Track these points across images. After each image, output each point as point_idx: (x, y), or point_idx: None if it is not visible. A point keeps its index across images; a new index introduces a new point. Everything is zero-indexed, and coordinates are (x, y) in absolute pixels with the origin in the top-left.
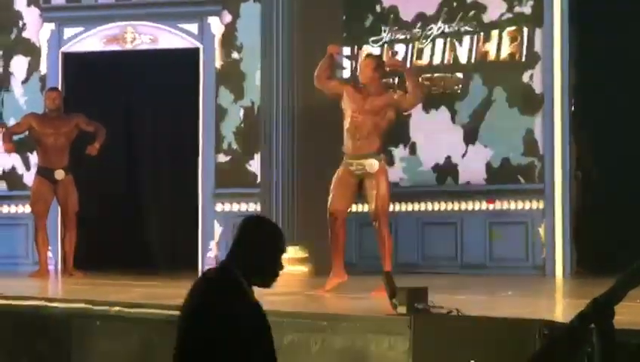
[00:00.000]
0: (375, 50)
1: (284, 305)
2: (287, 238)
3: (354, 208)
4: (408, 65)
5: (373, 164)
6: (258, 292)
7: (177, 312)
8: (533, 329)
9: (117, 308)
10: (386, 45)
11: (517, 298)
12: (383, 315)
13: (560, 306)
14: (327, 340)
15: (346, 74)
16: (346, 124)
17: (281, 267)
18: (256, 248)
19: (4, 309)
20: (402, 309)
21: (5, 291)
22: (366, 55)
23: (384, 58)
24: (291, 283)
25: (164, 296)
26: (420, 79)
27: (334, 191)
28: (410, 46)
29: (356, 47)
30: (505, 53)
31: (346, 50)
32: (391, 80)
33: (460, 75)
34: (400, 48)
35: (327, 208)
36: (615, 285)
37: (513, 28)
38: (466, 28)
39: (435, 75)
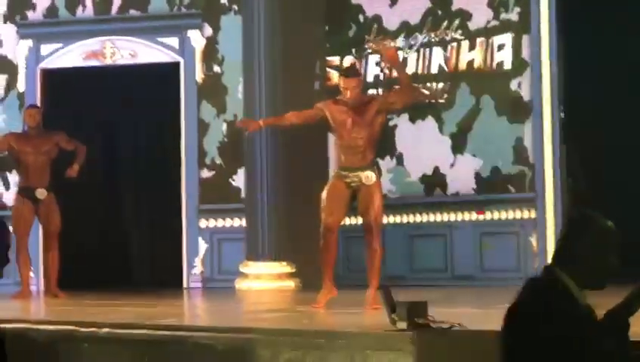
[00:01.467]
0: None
1: (277, 322)
2: (274, 254)
3: None
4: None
5: (370, 176)
6: (247, 308)
7: (168, 332)
8: None
9: (106, 330)
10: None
11: None
12: (382, 331)
13: None
14: (325, 358)
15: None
16: (340, 140)
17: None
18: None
19: None
20: (402, 324)
21: None
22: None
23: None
24: (279, 299)
25: (153, 315)
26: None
27: (329, 203)
28: None
29: (339, 57)
30: (492, 61)
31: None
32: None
33: (445, 84)
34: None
35: (312, 222)
36: (629, 296)
37: (500, 35)
38: (452, 36)
39: (421, 85)
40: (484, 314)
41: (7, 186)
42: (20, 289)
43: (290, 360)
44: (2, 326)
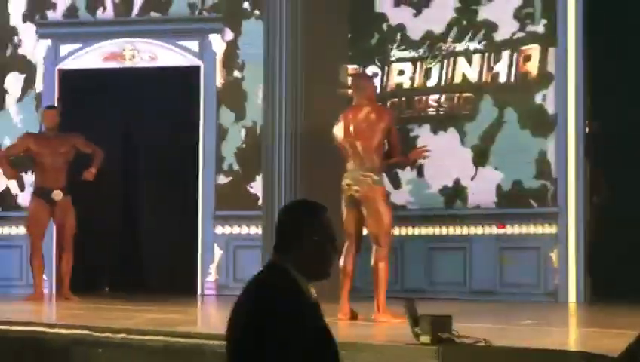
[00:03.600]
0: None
1: None
2: None
3: None
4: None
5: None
6: None
7: (184, 339)
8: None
9: (122, 335)
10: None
11: (535, 326)
12: (405, 344)
13: (584, 336)
14: None
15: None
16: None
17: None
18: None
19: (2, 335)
20: (425, 339)
21: (1, 316)
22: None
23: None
24: None
25: (168, 322)
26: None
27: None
28: (418, 65)
29: (362, 66)
30: (517, 73)
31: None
32: None
33: (469, 95)
34: (407, 67)
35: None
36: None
37: (525, 47)
38: (477, 47)
39: (444, 96)
40: (503, 330)
41: (22, 187)
42: (33, 292)
43: None
44: (16, 328)
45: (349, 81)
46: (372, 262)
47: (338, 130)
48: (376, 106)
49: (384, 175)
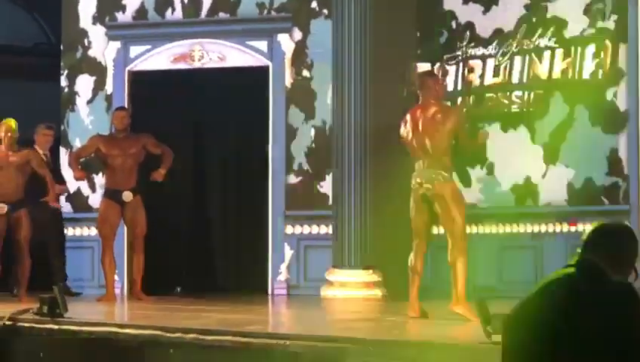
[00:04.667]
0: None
1: (367, 332)
2: (360, 262)
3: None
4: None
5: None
6: (334, 316)
7: (255, 339)
8: None
9: (192, 335)
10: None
11: None
12: (476, 343)
13: None
14: None
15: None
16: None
17: None
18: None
19: (74, 335)
20: (497, 338)
21: (73, 316)
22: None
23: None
24: (366, 308)
25: (239, 322)
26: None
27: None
28: (487, 63)
29: (430, 64)
30: (587, 69)
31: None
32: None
33: (539, 92)
34: (476, 65)
35: (400, 230)
36: None
37: (596, 44)
38: (546, 44)
39: (513, 94)
40: None
41: (93, 188)
42: (105, 293)
43: None
44: (88, 328)
45: (416, 79)
46: (449, 259)
47: (406, 129)
48: (443, 106)
49: (454, 173)
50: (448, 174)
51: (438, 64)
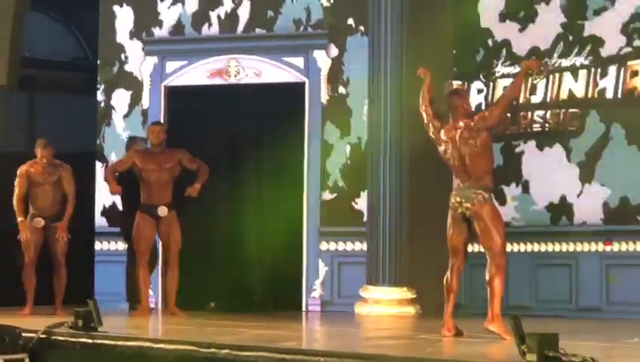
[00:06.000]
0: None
1: (400, 349)
2: (395, 279)
3: None
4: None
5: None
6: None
7: (289, 356)
8: None
9: (225, 351)
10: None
11: None
12: None
13: None
14: None
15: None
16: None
17: None
18: None
19: (108, 349)
20: (532, 357)
21: (107, 330)
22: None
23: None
24: (400, 325)
25: (272, 338)
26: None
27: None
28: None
29: (467, 82)
30: (624, 88)
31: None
32: None
33: (575, 111)
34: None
35: (434, 247)
36: None
37: (633, 62)
38: (583, 62)
39: (549, 112)
40: (611, 348)
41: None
42: (139, 307)
43: None
44: (122, 343)
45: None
46: (487, 277)
47: (441, 148)
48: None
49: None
50: (488, 195)
51: (475, 82)
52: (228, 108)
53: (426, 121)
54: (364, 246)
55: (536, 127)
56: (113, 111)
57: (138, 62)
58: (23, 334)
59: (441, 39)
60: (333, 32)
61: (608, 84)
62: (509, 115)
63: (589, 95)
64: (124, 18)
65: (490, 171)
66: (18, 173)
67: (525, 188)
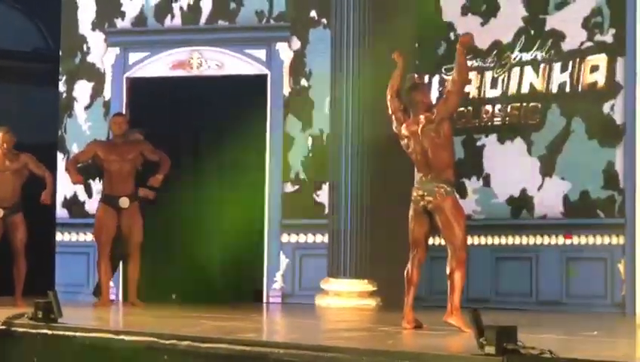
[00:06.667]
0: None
1: (361, 341)
2: (355, 271)
3: None
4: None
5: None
6: (328, 326)
7: (249, 347)
8: None
9: (186, 343)
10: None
11: (602, 338)
12: (469, 354)
13: None
14: None
15: None
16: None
17: None
18: None
19: (68, 340)
20: (490, 349)
21: (67, 321)
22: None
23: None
24: (360, 317)
25: (234, 329)
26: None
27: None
28: (485, 75)
29: (428, 76)
30: (584, 82)
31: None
32: None
33: (536, 105)
34: (474, 77)
35: (395, 240)
36: None
37: (593, 57)
38: (544, 56)
39: (510, 105)
40: (570, 341)
41: (89, 194)
42: (100, 298)
43: None
44: (82, 334)
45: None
46: (447, 270)
47: (404, 143)
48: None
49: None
50: (450, 188)
51: (436, 75)
52: (190, 99)
53: (390, 112)
54: (326, 239)
55: (497, 121)
56: (75, 102)
57: (100, 53)
58: None
59: (403, 32)
60: (295, 25)
61: (569, 78)
62: (470, 108)
63: (550, 89)
64: (86, 9)
65: (452, 165)
66: None
67: (486, 181)
